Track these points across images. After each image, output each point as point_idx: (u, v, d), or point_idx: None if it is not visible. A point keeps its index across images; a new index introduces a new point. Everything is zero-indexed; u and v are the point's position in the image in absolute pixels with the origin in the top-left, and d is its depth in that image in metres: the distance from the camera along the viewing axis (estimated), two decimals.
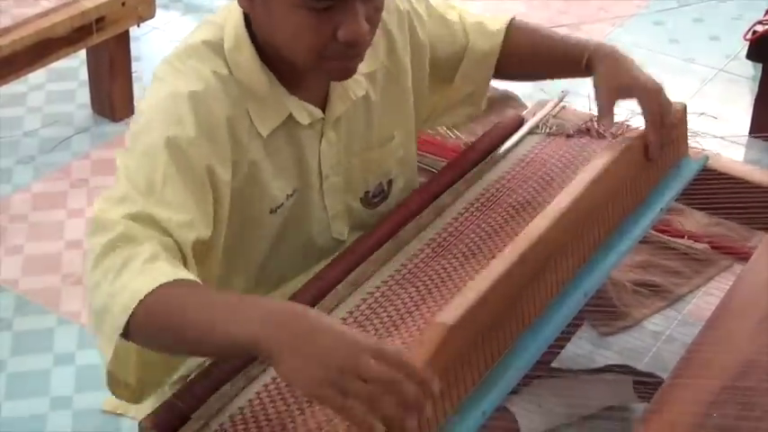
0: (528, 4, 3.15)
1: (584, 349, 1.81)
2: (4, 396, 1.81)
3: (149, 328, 1.11)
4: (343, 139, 1.44)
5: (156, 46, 2.91)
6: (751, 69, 2.61)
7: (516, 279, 1.25)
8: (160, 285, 1.07)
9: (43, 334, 1.95)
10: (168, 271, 1.11)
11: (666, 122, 1.50)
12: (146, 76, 2.71)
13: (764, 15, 2.49)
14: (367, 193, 1.53)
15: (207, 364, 1.27)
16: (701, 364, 1.23)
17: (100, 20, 2.36)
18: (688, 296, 1.99)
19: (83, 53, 2.52)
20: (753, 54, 2.45)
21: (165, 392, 1.31)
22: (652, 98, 1.49)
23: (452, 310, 1.15)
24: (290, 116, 1.34)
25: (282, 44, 1.27)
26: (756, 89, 2.54)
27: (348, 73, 1.31)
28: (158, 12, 2.55)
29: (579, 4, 3.16)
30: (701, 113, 1.79)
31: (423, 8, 1.53)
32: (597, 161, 1.47)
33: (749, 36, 2.44)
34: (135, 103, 2.59)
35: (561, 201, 1.36)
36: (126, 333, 1.10)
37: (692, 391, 1.16)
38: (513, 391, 1.57)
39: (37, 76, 2.59)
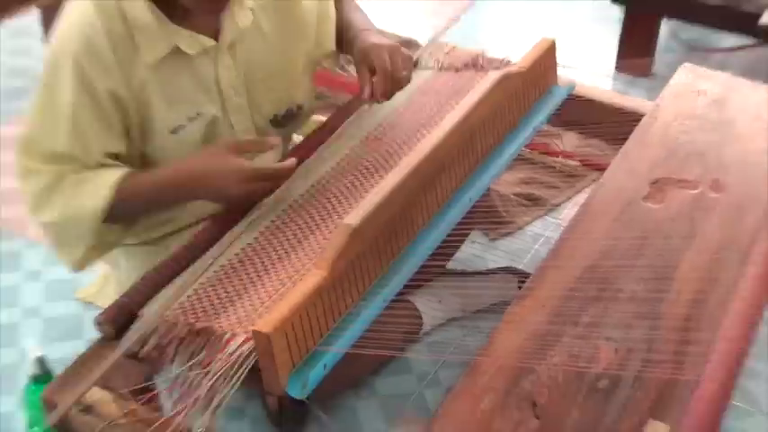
0: None
1: (477, 251, 1.86)
2: None
3: (122, 213, 1.35)
4: (241, 64, 1.45)
5: None
6: (617, 12, 2.64)
7: (411, 187, 1.30)
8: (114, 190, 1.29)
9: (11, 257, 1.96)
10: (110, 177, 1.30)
11: (395, 74, 1.46)
12: None
13: None
14: (276, 115, 1.54)
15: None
16: (566, 252, 1.28)
17: None
18: (562, 205, 2.06)
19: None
20: None
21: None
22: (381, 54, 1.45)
23: (356, 214, 1.19)
24: (178, 48, 1.34)
25: None
26: (620, 30, 2.60)
27: (216, 7, 1.33)
28: None
29: None
30: (573, 47, 1.84)
31: None
32: (478, 89, 1.51)
33: None
34: None
35: (447, 122, 1.40)
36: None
37: (559, 273, 1.21)
38: (415, 287, 1.63)
39: None
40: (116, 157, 1.36)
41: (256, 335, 1.07)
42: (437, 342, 1.71)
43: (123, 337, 1.21)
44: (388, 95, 1.46)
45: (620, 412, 1.15)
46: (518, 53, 1.85)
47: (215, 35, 1.39)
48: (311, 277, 1.15)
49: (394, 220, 1.27)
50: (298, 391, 1.10)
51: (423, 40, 2.58)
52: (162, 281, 1.30)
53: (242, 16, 1.41)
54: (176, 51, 1.35)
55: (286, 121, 1.57)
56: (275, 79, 1.52)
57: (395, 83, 1.46)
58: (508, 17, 2.85)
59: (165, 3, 1.31)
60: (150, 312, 1.24)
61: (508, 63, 1.83)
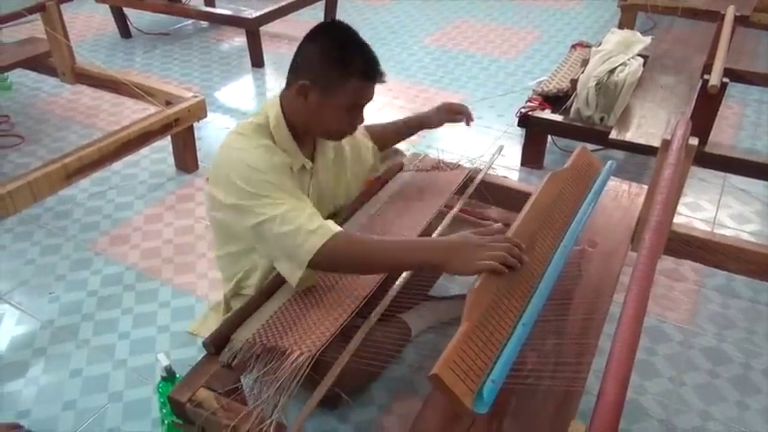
0: (404, 98, 3.08)
1: (444, 282, 1.77)
2: (132, 327, 1.71)
3: (337, 258, 1.12)
4: (318, 184, 1.39)
5: (209, 131, 2.79)
6: (520, 131, 2.59)
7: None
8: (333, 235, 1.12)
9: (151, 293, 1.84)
10: (330, 227, 1.14)
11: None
12: (204, 147, 2.60)
13: (525, 103, 2.48)
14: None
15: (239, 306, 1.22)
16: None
17: (177, 120, 2.25)
18: None
19: (169, 137, 2.38)
20: (520, 123, 2.43)
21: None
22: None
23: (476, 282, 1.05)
24: (303, 165, 1.30)
25: (321, 126, 1.25)
26: (523, 141, 2.52)
27: (339, 138, 1.33)
28: (209, 114, 2.43)
29: (430, 99, 3.10)
30: (498, 154, 1.78)
31: None
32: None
33: (518, 114, 2.43)
34: (199, 163, 2.48)
35: (524, 210, 1.27)
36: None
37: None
38: (405, 309, 1.54)
39: (145, 150, 2.46)
40: None
41: (432, 377, 0.87)
42: (420, 342, 1.60)
43: (221, 354, 1.12)
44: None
45: (544, 397, 1.06)
46: (463, 156, 1.82)
47: (311, 158, 1.35)
48: (460, 329, 0.96)
49: (511, 275, 1.09)
50: (483, 407, 0.88)
51: (403, 148, 2.54)
52: (246, 315, 1.20)
53: (329, 149, 1.39)
54: (302, 167, 1.31)
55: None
56: (335, 197, 1.48)
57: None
58: (454, 134, 2.78)
59: (294, 135, 1.27)
60: (239, 337, 1.15)
61: (458, 165, 1.77)
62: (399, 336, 1.49)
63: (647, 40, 2.58)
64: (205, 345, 1.15)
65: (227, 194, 1.18)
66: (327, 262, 1.13)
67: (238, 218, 1.18)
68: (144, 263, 1.95)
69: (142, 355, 1.60)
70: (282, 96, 1.26)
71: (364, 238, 1.18)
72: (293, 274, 1.17)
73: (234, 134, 1.24)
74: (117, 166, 2.40)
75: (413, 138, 2.78)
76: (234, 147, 1.21)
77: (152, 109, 2.37)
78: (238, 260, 1.33)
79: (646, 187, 1.62)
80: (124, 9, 3.76)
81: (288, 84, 1.24)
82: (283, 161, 1.22)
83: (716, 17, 2.71)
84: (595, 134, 2.29)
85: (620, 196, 1.65)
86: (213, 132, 2.77)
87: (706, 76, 2.08)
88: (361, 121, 1.27)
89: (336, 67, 1.17)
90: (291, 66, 1.23)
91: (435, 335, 1.62)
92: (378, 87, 1.29)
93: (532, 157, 2.49)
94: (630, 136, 2.18)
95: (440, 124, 1.57)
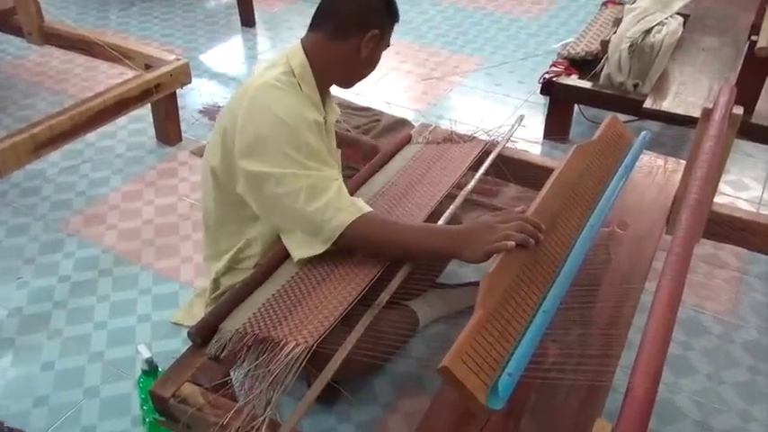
0: (412, 62, 3.07)
1: (455, 268, 1.78)
2: (109, 316, 1.72)
3: (360, 238, 1.20)
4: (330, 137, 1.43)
5: (193, 98, 2.78)
6: (543, 99, 2.58)
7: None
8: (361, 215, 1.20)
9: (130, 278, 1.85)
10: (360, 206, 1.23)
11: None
12: (188, 117, 2.59)
13: (549, 68, 2.47)
14: None
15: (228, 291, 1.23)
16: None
17: (157, 86, 2.25)
18: None
19: (149, 106, 2.38)
20: (543, 91, 2.42)
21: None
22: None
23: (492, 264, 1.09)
24: (324, 119, 1.33)
25: (359, 73, 1.35)
26: (546, 111, 2.52)
27: (351, 86, 1.39)
28: (193, 79, 2.42)
29: (442, 63, 3.09)
30: (518, 125, 1.78)
31: None
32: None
33: (541, 80, 2.42)
34: (182, 134, 2.47)
35: (546, 186, 1.29)
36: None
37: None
38: (412, 297, 1.54)
39: (122, 120, 2.46)
40: None
41: (442, 370, 0.88)
42: (429, 334, 1.61)
43: (208, 345, 1.14)
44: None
45: (567, 393, 1.07)
46: (478, 127, 1.81)
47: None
48: (473, 317, 0.97)
49: (530, 258, 1.12)
50: (498, 403, 0.89)
51: (411, 118, 2.55)
52: (235, 303, 1.21)
53: (336, 108, 1.43)
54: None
55: None
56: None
57: None
58: (468, 103, 2.77)
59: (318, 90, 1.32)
60: (228, 326, 1.15)
61: (473, 138, 1.76)
62: (405, 325, 1.50)
63: None
64: (190, 335, 1.16)
65: (252, 158, 1.20)
66: (350, 240, 1.20)
67: (259, 184, 1.21)
68: (122, 245, 1.95)
69: (121, 347, 1.61)
70: (313, 45, 1.29)
71: (388, 220, 1.28)
72: (311, 248, 1.22)
73: (267, 86, 1.23)
74: (91, 137, 2.39)
75: (422, 106, 2.84)
76: (270, 102, 1.22)
77: (130, 73, 2.36)
78: (242, 229, 1.36)
79: (683, 162, 1.62)
80: None
81: (331, 34, 1.28)
82: (316, 118, 1.27)
83: None
84: (628, 103, 2.28)
85: (655, 172, 1.65)
86: (198, 100, 2.76)
87: (753, 38, 2.06)
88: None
89: (389, 12, 1.31)
90: (338, 14, 1.28)
91: (446, 325, 1.63)
92: (384, 52, 1.35)
93: (557, 128, 2.48)
94: (667, 105, 2.17)
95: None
